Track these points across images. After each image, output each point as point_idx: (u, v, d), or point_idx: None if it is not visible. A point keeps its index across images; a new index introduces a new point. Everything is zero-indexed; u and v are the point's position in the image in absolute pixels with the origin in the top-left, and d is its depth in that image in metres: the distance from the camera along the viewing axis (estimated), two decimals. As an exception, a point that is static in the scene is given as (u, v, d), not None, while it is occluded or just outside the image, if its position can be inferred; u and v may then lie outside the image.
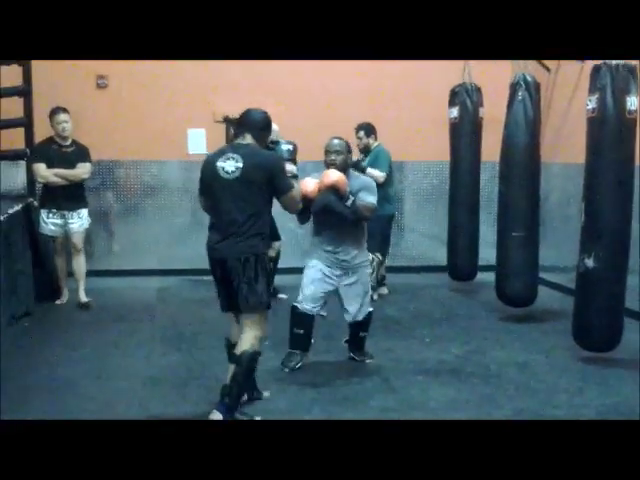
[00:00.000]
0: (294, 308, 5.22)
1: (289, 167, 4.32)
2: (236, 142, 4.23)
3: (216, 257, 4.20)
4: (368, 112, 7.70)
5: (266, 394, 4.64)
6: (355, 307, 5.22)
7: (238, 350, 4.15)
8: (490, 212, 8.39)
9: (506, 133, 6.48)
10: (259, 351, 4.22)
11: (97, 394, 4.73)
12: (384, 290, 7.56)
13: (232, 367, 4.16)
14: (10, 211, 6.41)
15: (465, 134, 7.54)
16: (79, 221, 6.98)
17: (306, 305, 5.17)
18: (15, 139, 7.08)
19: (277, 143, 6.40)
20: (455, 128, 7.62)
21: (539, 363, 5.44)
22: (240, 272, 4.09)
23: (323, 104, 8.31)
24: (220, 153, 4.20)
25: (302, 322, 5.21)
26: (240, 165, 4.06)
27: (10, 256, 6.25)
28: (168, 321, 6.52)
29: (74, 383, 4.94)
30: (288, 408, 4.47)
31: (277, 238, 7.02)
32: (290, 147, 6.45)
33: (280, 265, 7.20)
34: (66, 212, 6.90)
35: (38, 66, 7.08)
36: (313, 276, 5.18)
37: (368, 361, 5.41)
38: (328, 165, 5.06)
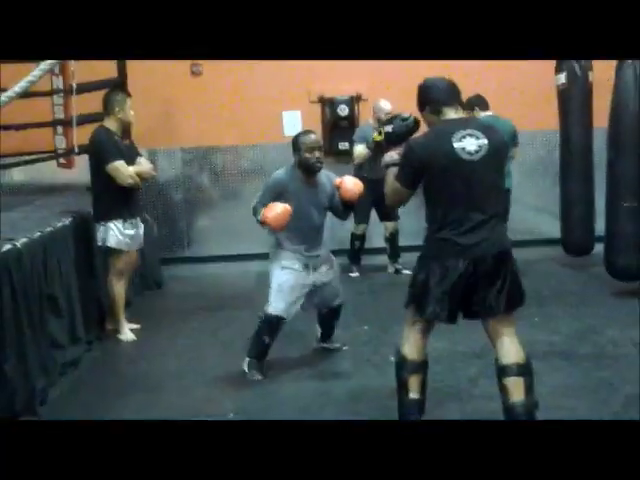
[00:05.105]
0: None
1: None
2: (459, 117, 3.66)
3: (475, 254, 3.46)
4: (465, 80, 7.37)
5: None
6: None
7: (518, 361, 3.53)
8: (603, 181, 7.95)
9: (615, 98, 6.11)
10: None
11: (197, 389, 4.71)
12: None
13: (512, 381, 3.52)
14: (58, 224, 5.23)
15: (575, 100, 7.10)
16: (142, 229, 5.81)
17: None
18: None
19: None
20: (564, 95, 7.18)
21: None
22: (507, 266, 3.53)
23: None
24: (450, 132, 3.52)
25: None
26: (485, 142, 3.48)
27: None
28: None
29: (175, 378, 4.93)
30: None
31: (394, 218, 7.24)
32: None
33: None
34: (138, 220, 5.72)
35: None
36: None
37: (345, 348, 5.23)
38: (314, 164, 4.67)
